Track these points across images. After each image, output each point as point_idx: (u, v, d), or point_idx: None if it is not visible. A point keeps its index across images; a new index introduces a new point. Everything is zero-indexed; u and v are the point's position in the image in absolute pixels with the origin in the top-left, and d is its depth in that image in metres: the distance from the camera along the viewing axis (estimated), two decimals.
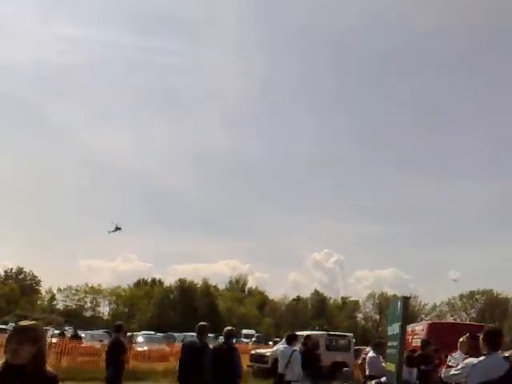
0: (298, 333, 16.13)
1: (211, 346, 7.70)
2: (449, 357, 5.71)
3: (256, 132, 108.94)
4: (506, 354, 4.48)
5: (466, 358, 4.54)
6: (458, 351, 5.05)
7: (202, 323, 7.80)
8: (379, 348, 9.04)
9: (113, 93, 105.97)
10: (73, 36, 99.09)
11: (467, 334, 5.18)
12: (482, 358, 4.22)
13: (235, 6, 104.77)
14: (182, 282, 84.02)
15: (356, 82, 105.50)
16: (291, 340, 9.71)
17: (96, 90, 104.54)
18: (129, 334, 16.48)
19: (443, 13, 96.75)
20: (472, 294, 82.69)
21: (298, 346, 10.03)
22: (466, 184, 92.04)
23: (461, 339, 5.16)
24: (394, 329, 5.04)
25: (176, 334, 38.16)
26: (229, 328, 7.96)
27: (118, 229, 65.03)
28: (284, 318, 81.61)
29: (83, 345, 21.08)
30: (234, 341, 8.91)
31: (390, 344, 5.48)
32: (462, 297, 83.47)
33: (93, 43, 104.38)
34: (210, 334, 9.59)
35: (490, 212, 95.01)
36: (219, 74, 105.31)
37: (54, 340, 21.17)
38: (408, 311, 4.72)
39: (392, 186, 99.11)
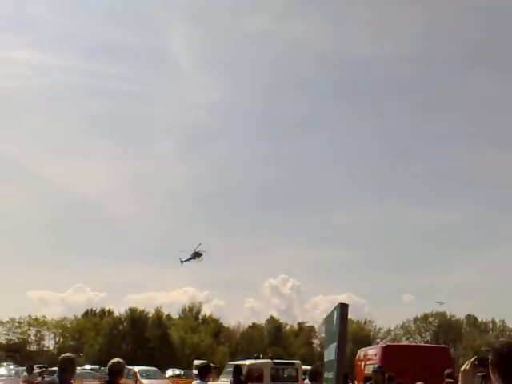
0: (241, 362, 14.26)
1: None
2: None
3: (211, 161, 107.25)
4: None
5: None
6: None
7: (66, 355, 5.76)
8: (318, 378, 6.98)
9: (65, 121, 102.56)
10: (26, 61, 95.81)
11: (473, 359, 2.91)
12: None
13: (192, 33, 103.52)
14: (132, 311, 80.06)
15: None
16: (204, 372, 7.50)
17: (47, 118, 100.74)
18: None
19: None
20: (426, 316, 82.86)
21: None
22: (414, 209, 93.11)
23: (463, 367, 2.91)
24: (330, 353, 3.39)
25: None
26: (114, 361, 5.96)
27: (196, 255, 47.55)
28: (239, 346, 78.90)
29: None
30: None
31: (325, 375, 3.84)
32: (416, 320, 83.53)
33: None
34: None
35: (437, 237, 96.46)
36: (176, 102, 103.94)
37: None
38: (347, 325, 3.04)
39: (342, 213, 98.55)
